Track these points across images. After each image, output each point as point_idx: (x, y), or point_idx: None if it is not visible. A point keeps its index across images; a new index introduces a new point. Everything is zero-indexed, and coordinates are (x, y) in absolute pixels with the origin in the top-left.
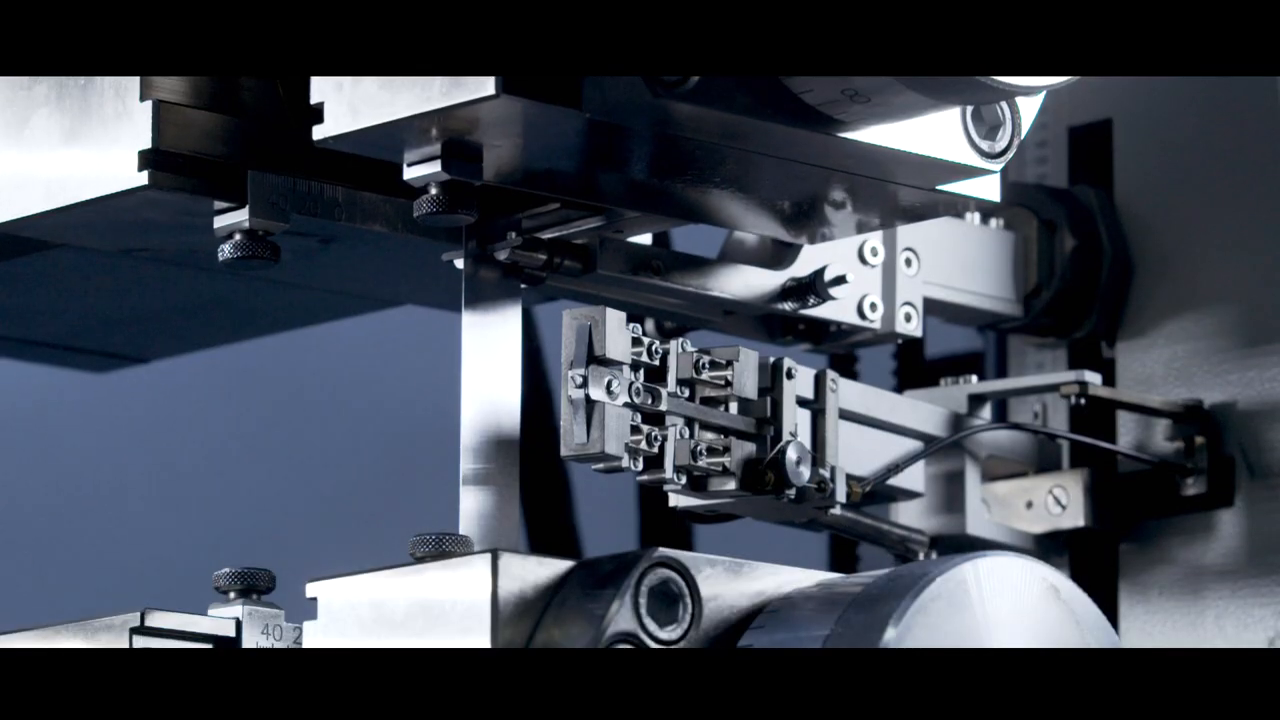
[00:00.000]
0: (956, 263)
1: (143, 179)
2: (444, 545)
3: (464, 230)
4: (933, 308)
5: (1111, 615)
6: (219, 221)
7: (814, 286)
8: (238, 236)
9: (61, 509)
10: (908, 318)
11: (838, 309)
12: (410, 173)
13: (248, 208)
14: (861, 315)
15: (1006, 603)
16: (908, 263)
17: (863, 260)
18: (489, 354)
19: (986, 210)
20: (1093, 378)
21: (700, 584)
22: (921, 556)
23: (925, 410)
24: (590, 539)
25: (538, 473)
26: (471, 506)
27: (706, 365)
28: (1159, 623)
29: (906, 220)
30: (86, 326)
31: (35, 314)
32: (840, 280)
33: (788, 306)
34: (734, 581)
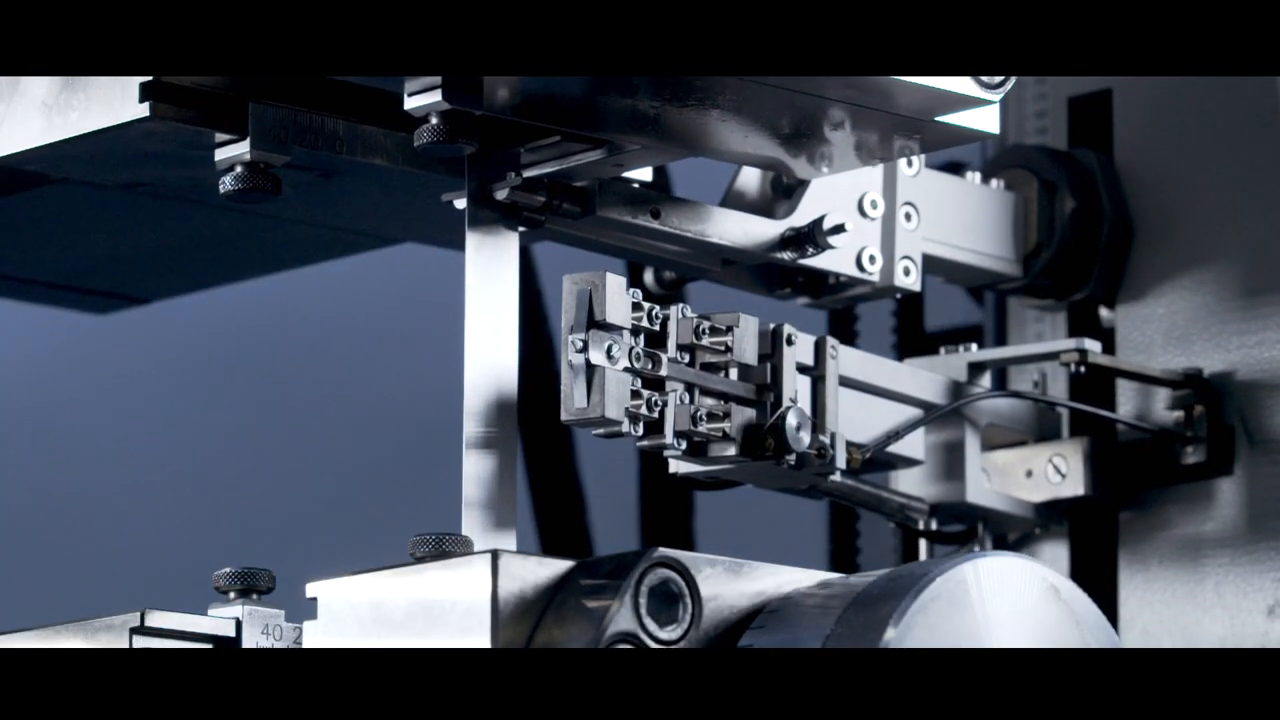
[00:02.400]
0: (956, 221)
1: (144, 110)
2: (444, 545)
3: (465, 167)
4: (932, 265)
5: (1111, 584)
6: (220, 154)
7: (812, 236)
8: (238, 169)
9: (61, 508)
10: (906, 271)
11: (836, 260)
12: (411, 102)
13: (249, 140)
14: (860, 267)
15: (1006, 603)
16: (907, 217)
17: (862, 213)
18: (490, 311)
19: (987, 170)
20: (1093, 345)
21: (700, 584)
22: (921, 525)
23: (925, 378)
24: (595, 506)
25: (541, 438)
26: (473, 470)
27: (706, 331)
28: (1158, 591)
29: (906, 152)
30: (87, 265)
31: (36, 252)
32: (839, 229)
33: (786, 256)
34: (734, 581)
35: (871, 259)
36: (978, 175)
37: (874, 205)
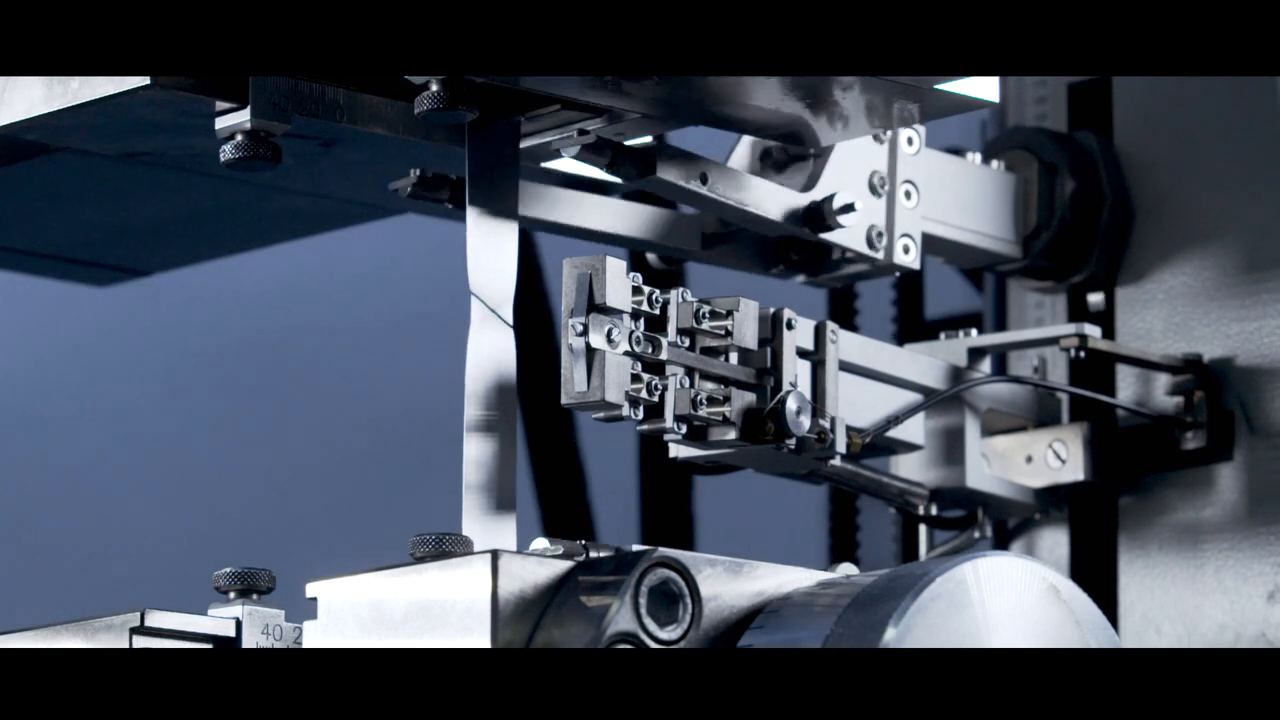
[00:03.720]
0: (957, 201)
1: (144, 79)
2: (444, 545)
3: (465, 135)
4: (932, 245)
5: (1111, 570)
6: (220, 122)
7: (820, 214)
8: (239, 137)
9: (62, 508)
10: (906, 250)
11: (847, 235)
12: None
13: (249, 108)
14: (870, 245)
15: (1006, 603)
16: (907, 195)
17: (874, 191)
18: (491, 277)
19: (987, 151)
20: (1093, 330)
21: (700, 584)
22: (921, 510)
23: (925, 363)
24: (595, 491)
25: (542, 422)
26: (473, 454)
27: (706, 315)
28: (1158, 577)
29: (907, 120)
30: (88, 236)
31: (34, 222)
32: (849, 208)
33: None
34: (734, 581)
35: (879, 235)
36: (978, 156)
37: (882, 183)
